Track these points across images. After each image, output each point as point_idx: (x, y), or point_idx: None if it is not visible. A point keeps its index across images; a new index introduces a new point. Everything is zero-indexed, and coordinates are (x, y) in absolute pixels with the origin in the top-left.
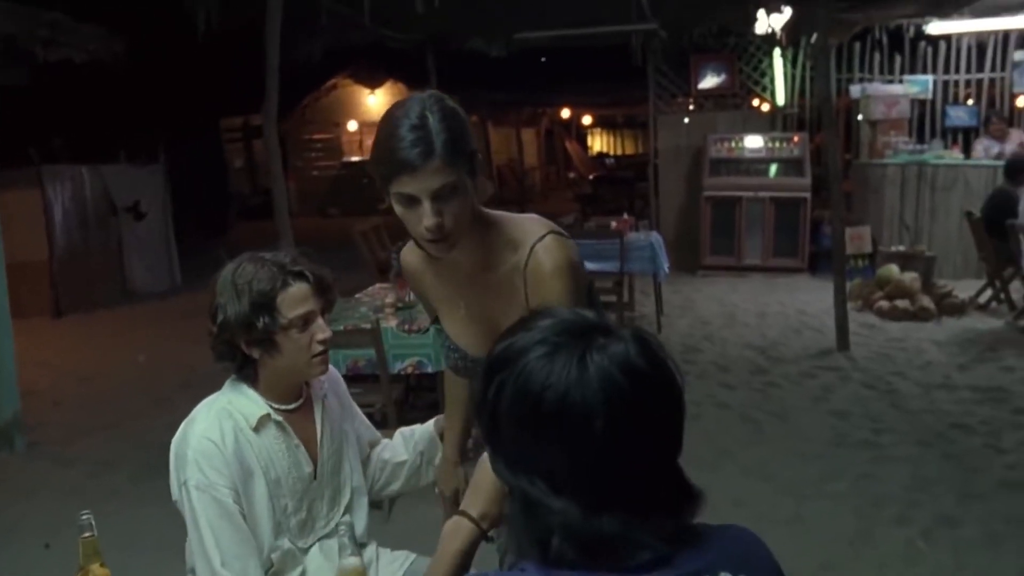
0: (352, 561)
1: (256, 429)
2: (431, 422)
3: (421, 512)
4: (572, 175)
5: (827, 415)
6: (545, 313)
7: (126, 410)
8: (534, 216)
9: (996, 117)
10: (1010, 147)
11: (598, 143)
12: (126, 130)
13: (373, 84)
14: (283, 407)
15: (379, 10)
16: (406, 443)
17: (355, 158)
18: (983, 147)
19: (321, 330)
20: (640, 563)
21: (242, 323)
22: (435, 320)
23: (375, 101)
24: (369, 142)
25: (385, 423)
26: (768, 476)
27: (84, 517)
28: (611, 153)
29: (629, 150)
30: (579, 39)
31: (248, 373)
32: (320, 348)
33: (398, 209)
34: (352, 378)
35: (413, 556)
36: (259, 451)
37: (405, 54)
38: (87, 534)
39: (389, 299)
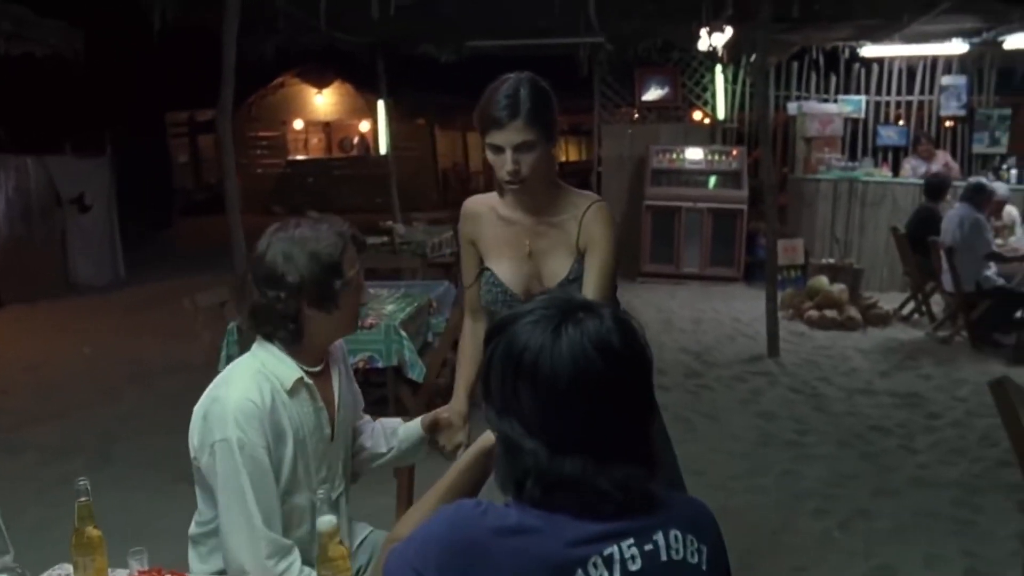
0: (329, 518)
1: (290, 393)
2: (418, 421)
3: (373, 499)
4: None
5: (755, 416)
6: (545, 294)
7: (74, 399)
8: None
9: (924, 138)
10: (936, 167)
11: None
12: (74, 123)
13: (321, 84)
14: (310, 370)
15: (334, 14)
16: (387, 438)
17: (300, 156)
18: (911, 166)
19: (364, 289)
20: (598, 512)
21: (316, 283)
22: (480, 269)
23: (322, 101)
24: (315, 141)
25: None
26: (699, 471)
27: (81, 482)
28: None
29: (572, 156)
30: (529, 49)
31: (287, 336)
32: (365, 301)
33: (489, 156)
34: None
35: (370, 528)
36: (292, 414)
37: (355, 56)
38: (83, 499)
39: None
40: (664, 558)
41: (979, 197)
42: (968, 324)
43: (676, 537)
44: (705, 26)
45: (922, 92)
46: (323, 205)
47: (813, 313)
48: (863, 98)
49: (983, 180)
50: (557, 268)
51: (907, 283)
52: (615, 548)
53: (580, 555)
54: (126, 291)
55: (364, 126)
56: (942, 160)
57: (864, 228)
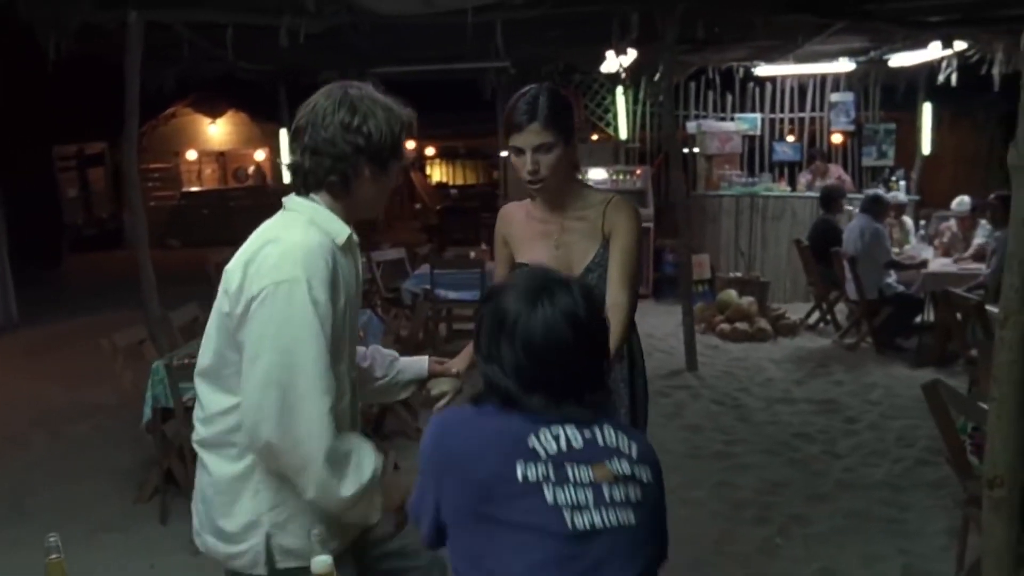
0: (324, 559)
1: (342, 249)
2: (425, 360)
3: None
4: (418, 206)
5: (682, 430)
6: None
7: None
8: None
9: (818, 155)
10: (830, 181)
11: (437, 173)
12: None
13: (214, 113)
14: None
15: (240, 43)
16: (383, 366)
17: (195, 188)
18: (806, 181)
19: (399, 174)
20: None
21: (385, 144)
22: (512, 265)
23: (216, 130)
24: (208, 171)
25: None
26: None
27: (51, 539)
28: (452, 183)
29: (471, 180)
30: (434, 74)
31: (340, 192)
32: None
33: (512, 158)
34: None
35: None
36: (343, 269)
37: (252, 84)
38: (53, 556)
39: None
40: (601, 443)
41: (877, 208)
42: (872, 330)
43: (611, 432)
44: (612, 48)
45: (813, 109)
46: (221, 237)
47: (725, 326)
48: (758, 116)
49: (880, 192)
50: (583, 255)
51: (810, 293)
52: (560, 428)
53: (532, 427)
54: (21, 333)
55: (260, 155)
56: (835, 174)
57: (766, 241)
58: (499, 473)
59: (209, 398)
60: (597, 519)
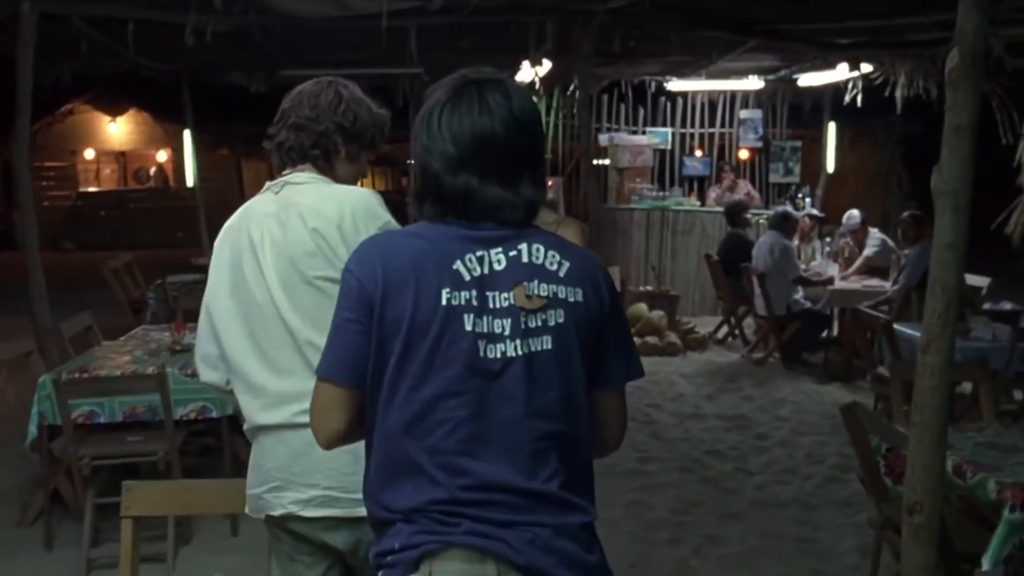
0: None
1: None
2: None
3: None
4: None
5: None
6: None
7: None
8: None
9: (728, 167)
10: (739, 196)
11: None
12: None
13: (114, 112)
14: None
15: (142, 40)
16: None
17: (92, 188)
18: (715, 195)
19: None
20: (479, 224)
21: (367, 133)
22: None
23: (116, 129)
24: (107, 172)
25: (168, 472)
26: None
27: None
28: None
29: (379, 187)
30: (344, 79)
31: (323, 165)
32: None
33: None
34: (130, 425)
35: None
36: None
37: (154, 83)
38: None
39: (166, 342)
40: (525, 260)
41: (786, 225)
42: (779, 345)
43: (538, 248)
44: (527, 59)
45: (723, 125)
46: (119, 240)
47: (635, 340)
48: (669, 130)
49: (789, 209)
50: None
51: (718, 307)
52: (485, 252)
53: (459, 251)
54: None
55: (162, 156)
56: (744, 190)
57: (676, 255)
58: (424, 298)
59: None
60: (510, 349)
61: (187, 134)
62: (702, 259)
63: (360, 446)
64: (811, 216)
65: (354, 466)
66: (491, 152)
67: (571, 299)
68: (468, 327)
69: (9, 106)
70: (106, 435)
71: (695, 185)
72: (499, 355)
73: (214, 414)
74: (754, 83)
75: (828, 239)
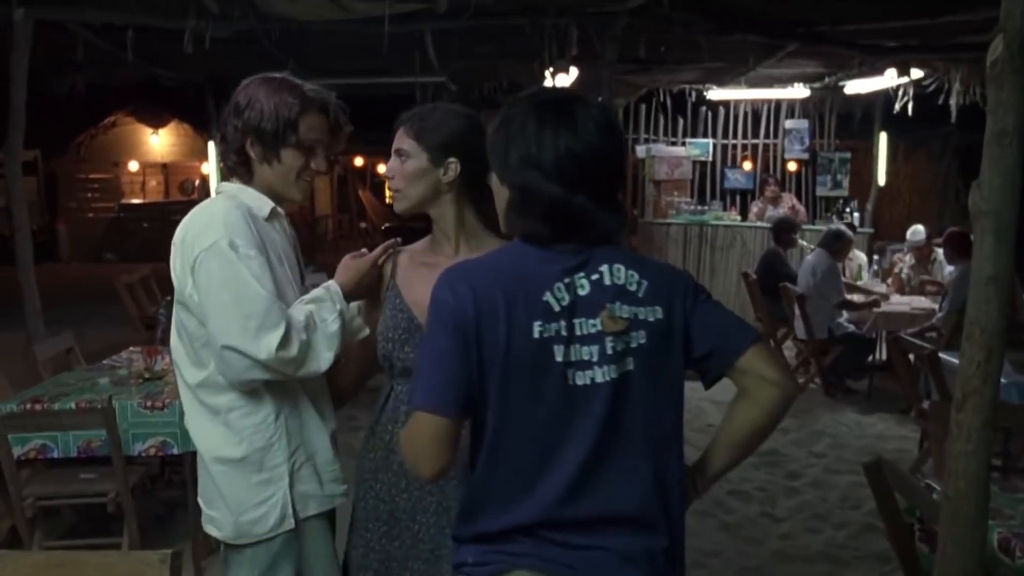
0: None
1: (268, 219)
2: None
3: None
4: (364, 225)
5: None
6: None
7: None
8: None
9: (772, 180)
10: (782, 210)
11: (389, 192)
12: None
13: (157, 124)
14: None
15: (146, 47)
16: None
17: (136, 200)
18: (757, 210)
19: (318, 162)
20: (568, 240)
21: (266, 126)
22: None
23: (158, 141)
24: (153, 184)
25: (120, 515)
26: None
27: None
28: None
29: None
30: (366, 88)
31: (244, 172)
32: (309, 176)
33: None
34: (84, 461)
35: None
36: (272, 234)
37: (184, 93)
38: None
39: (135, 368)
40: (607, 283)
41: (836, 245)
42: (821, 371)
43: (618, 269)
44: (549, 67)
45: (767, 135)
46: (159, 252)
47: None
48: (710, 141)
49: (843, 229)
50: None
51: (758, 327)
52: (572, 278)
53: (547, 280)
54: None
55: (207, 168)
56: (788, 203)
57: (715, 272)
58: (517, 331)
59: None
60: (598, 375)
61: (212, 145)
62: (741, 276)
63: None
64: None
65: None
66: (591, 168)
67: (651, 318)
68: (559, 358)
69: (52, 118)
70: (60, 471)
71: (736, 199)
72: (588, 382)
73: (175, 450)
74: (799, 91)
75: (877, 256)
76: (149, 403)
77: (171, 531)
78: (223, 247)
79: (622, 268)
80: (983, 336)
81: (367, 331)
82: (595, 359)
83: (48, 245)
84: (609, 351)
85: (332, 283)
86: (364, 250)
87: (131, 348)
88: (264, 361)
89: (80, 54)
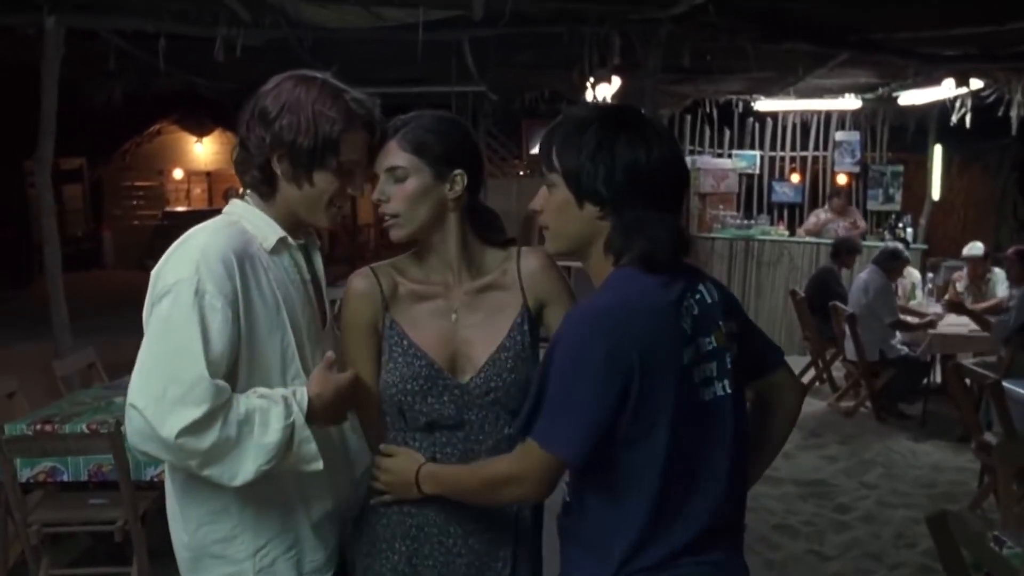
0: None
1: (272, 252)
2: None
3: None
4: None
5: None
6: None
7: None
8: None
9: (844, 192)
10: (847, 222)
11: None
12: None
13: (201, 132)
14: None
15: (180, 56)
16: None
17: (180, 208)
18: (817, 220)
19: (354, 185)
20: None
21: (297, 142)
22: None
23: (202, 150)
24: (197, 191)
25: (127, 547)
26: None
27: None
28: None
29: None
30: (401, 98)
31: (266, 192)
32: (341, 201)
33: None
34: (96, 485)
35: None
36: (275, 276)
37: (224, 102)
38: None
39: None
40: (709, 301)
41: (891, 264)
42: (872, 394)
43: (709, 287)
44: (590, 76)
45: (816, 148)
46: None
47: None
48: (757, 153)
49: (899, 247)
50: (493, 332)
51: (806, 347)
52: (689, 300)
53: (674, 306)
54: None
55: None
56: (853, 216)
57: (761, 289)
58: (672, 363)
59: None
60: (719, 389)
61: None
62: (789, 294)
63: None
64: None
65: None
66: (680, 186)
67: (736, 332)
68: (696, 380)
69: (100, 126)
70: (71, 495)
71: (784, 213)
72: (713, 396)
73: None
74: (850, 102)
75: (931, 274)
76: None
77: None
78: (185, 292)
79: (711, 285)
80: None
81: (319, 465)
82: (715, 375)
83: (93, 252)
84: (728, 365)
85: (302, 391)
86: (331, 354)
87: None
88: (164, 440)
89: (112, 62)
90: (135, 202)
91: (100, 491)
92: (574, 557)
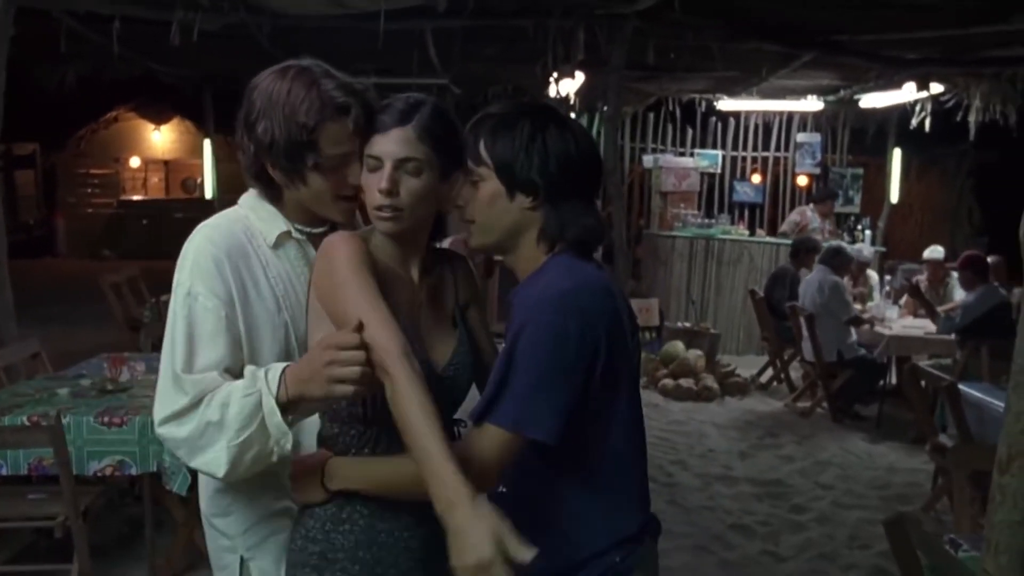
0: None
1: (275, 247)
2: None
3: None
4: None
5: None
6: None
7: None
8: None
9: (829, 194)
10: (828, 227)
11: None
12: None
13: (159, 120)
14: (307, 228)
15: (137, 40)
16: None
17: (136, 197)
18: (801, 219)
19: (354, 176)
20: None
21: (274, 149)
22: None
23: (160, 138)
24: (154, 180)
25: (69, 543)
26: None
27: None
28: None
29: None
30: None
31: (273, 194)
32: (349, 192)
33: (364, 176)
34: (37, 480)
35: None
36: (276, 272)
37: (182, 89)
38: None
39: (98, 379)
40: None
41: (837, 260)
42: (828, 395)
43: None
44: (554, 72)
45: (778, 148)
46: (158, 250)
47: (668, 382)
48: (719, 152)
49: (843, 245)
50: (445, 337)
51: (764, 347)
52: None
53: (611, 286)
54: None
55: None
56: (834, 220)
57: (720, 288)
58: (623, 341)
59: None
60: (637, 360)
61: (207, 143)
62: (748, 294)
63: None
64: (860, 257)
65: None
66: (599, 178)
67: None
68: (635, 355)
69: (52, 110)
70: (11, 489)
71: (745, 213)
72: (636, 375)
73: (134, 471)
74: (812, 104)
75: (889, 276)
76: (107, 418)
77: (134, 552)
78: (180, 295)
79: None
80: None
81: (288, 441)
82: (636, 357)
83: (46, 240)
84: (638, 346)
85: (277, 365)
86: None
87: (102, 355)
88: (156, 430)
89: (64, 44)
90: (90, 190)
91: (41, 486)
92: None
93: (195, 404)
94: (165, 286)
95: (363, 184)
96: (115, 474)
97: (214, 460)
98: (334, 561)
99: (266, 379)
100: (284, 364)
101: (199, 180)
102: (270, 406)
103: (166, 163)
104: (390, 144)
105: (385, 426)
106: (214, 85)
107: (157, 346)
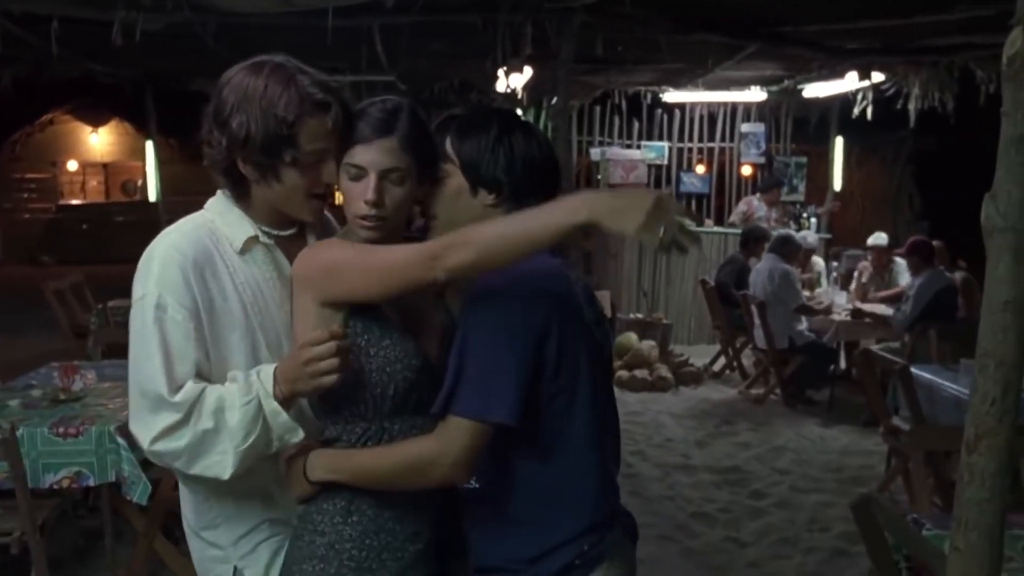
0: None
1: (241, 252)
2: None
3: None
4: None
5: None
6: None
7: None
8: None
9: (779, 183)
10: (776, 215)
11: None
12: None
13: (96, 122)
14: (274, 231)
15: (77, 41)
16: None
17: (75, 201)
18: (749, 208)
19: (328, 174)
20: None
21: (249, 143)
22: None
23: (98, 140)
24: (93, 184)
25: (26, 558)
26: None
27: None
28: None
29: None
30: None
31: (241, 192)
32: (320, 190)
33: (344, 183)
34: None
35: None
36: (243, 278)
37: (123, 90)
38: None
39: (50, 389)
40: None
41: (786, 249)
42: (781, 381)
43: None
44: (502, 66)
45: (723, 139)
46: (100, 254)
47: (623, 373)
48: (666, 144)
49: (791, 233)
50: (431, 330)
51: (716, 336)
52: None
53: (566, 273)
54: None
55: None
56: (782, 208)
57: (671, 279)
58: (580, 322)
59: None
60: (607, 351)
61: (149, 145)
62: (699, 283)
63: None
64: (808, 249)
65: None
66: (558, 181)
67: None
68: (598, 338)
69: None
70: None
71: (692, 203)
72: (608, 355)
73: (91, 482)
74: (756, 95)
75: (835, 262)
76: (62, 429)
77: (91, 564)
78: (148, 305)
79: None
80: (999, 370)
81: (300, 434)
82: (605, 339)
83: None
84: (608, 333)
85: (268, 367)
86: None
87: (52, 364)
88: (146, 450)
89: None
90: (26, 195)
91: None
92: (498, 538)
93: (186, 418)
94: (110, 291)
95: (343, 191)
96: (72, 486)
97: (218, 464)
98: (341, 551)
99: (261, 382)
100: (273, 366)
101: (139, 183)
102: (272, 407)
103: (105, 166)
104: (374, 154)
105: (386, 424)
106: (156, 86)
107: (108, 353)
